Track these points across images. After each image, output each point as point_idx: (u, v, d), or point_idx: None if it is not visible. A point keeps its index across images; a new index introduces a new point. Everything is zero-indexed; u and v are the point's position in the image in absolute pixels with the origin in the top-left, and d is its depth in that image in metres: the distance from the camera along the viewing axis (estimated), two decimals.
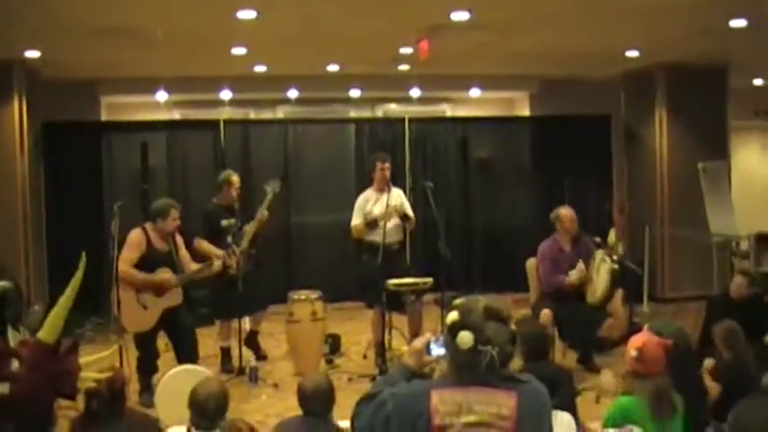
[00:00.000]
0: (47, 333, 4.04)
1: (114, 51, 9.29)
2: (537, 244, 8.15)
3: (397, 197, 8.43)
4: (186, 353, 7.30)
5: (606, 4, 7.84)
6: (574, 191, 11.91)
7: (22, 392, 3.84)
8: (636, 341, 4.16)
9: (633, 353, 4.09)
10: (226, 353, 8.53)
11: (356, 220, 8.37)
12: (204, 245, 8.26)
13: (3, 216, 9.81)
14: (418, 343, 3.22)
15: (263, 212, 8.36)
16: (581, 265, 7.65)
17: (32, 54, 9.46)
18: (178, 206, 7.45)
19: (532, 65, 11.55)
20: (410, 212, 8.46)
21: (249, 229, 8.33)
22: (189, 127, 12.21)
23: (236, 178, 8.51)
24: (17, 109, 9.97)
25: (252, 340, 8.81)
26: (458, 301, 2.94)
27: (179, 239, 7.55)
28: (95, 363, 4.32)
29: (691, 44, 9.89)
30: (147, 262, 7.20)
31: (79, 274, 4.38)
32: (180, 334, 7.43)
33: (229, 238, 7.99)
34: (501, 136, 12.86)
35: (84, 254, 4.58)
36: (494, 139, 12.76)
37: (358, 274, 8.93)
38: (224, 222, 8.31)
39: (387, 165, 8.44)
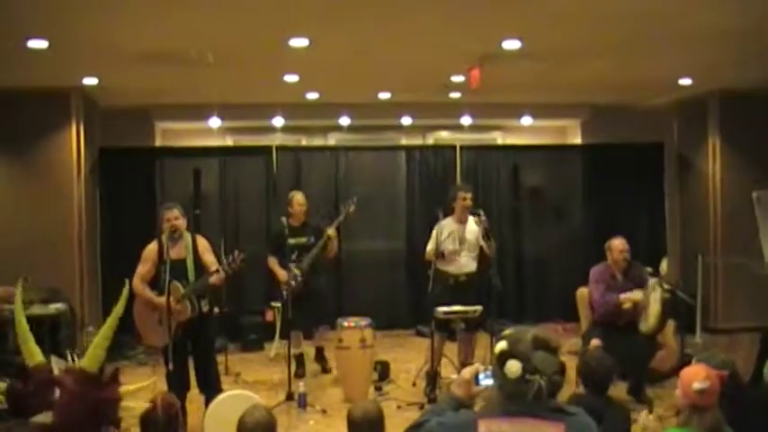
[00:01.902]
0: (89, 361, 4.08)
1: (168, 77, 9.45)
2: (587, 272, 8.08)
3: (474, 230, 8.35)
4: (201, 382, 7.17)
5: (658, 32, 7.80)
6: (626, 219, 11.82)
7: (65, 422, 3.88)
8: (699, 373, 4.05)
9: (699, 385, 3.97)
10: (299, 359, 9.11)
11: (429, 246, 8.35)
12: (271, 263, 9.05)
13: (59, 239, 9.99)
14: (467, 373, 3.21)
15: (329, 231, 8.92)
16: (638, 291, 7.58)
17: (90, 81, 9.65)
18: (171, 207, 7.18)
19: (584, 93, 11.51)
20: (484, 245, 8.36)
21: (315, 249, 8.90)
22: (241, 153, 12.33)
23: (299, 197, 9.16)
24: (75, 134, 10.17)
25: (319, 355, 9.49)
26: (507, 331, 2.95)
27: (202, 244, 7.27)
28: (136, 391, 4.36)
29: (744, 70, 9.79)
30: (159, 272, 7.02)
31: (122, 302, 4.43)
32: (197, 361, 7.22)
33: (293, 256, 8.72)
34: (552, 164, 12.82)
35: (127, 282, 4.64)
36: (545, 167, 12.72)
37: (422, 300, 8.93)
38: (291, 241, 8.94)
39: (469, 195, 8.39)
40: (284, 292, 8.61)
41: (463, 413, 3.02)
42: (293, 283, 8.59)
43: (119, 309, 4.32)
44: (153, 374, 7.35)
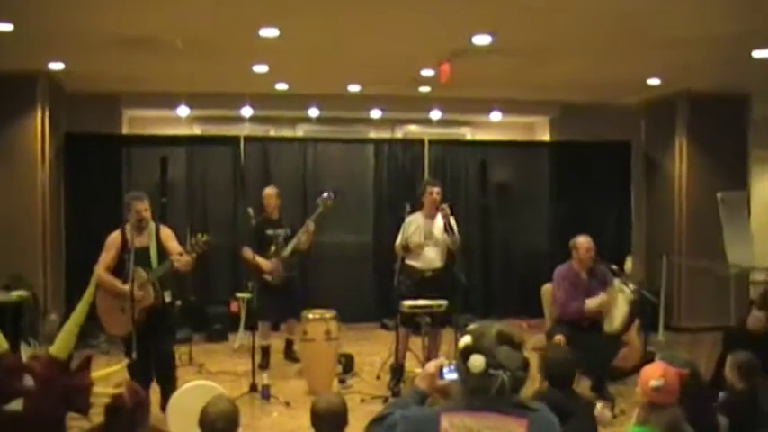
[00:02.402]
0: (59, 348, 4.05)
1: (136, 64, 9.37)
2: (553, 269, 8.12)
3: (441, 226, 8.33)
4: (158, 373, 7.07)
5: (629, 33, 7.86)
6: (592, 217, 11.90)
7: (35, 408, 3.84)
8: (655, 371, 4.10)
9: (655, 383, 4.02)
10: (265, 351, 9.17)
11: (398, 241, 8.37)
12: (247, 254, 9.08)
13: (23, 225, 9.88)
14: (431, 366, 3.22)
15: (309, 224, 9.12)
16: (603, 295, 7.61)
17: (56, 66, 9.54)
18: (142, 198, 7.13)
19: (554, 90, 11.57)
20: (457, 237, 8.36)
21: (294, 239, 9.12)
22: (209, 142, 12.27)
23: (269, 191, 9.43)
24: (40, 120, 10.05)
25: (288, 349, 9.61)
26: (472, 326, 2.95)
27: (165, 233, 7.21)
28: (106, 377, 4.32)
29: (712, 74, 9.90)
30: (123, 260, 6.91)
31: (91, 290, 4.39)
32: (156, 352, 7.08)
33: (272, 248, 9.09)
34: (520, 160, 12.89)
35: (96, 270, 4.61)
36: (513, 163, 12.78)
37: (388, 294, 8.95)
38: (269, 232, 9.22)
39: (437, 189, 8.41)
40: (269, 279, 8.98)
41: (427, 407, 3.03)
42: (279, 270, 9.01)
43: (88, 295, 4.29)
44: (113, 363, 7.35)
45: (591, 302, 7.61)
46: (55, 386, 3.91)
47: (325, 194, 9.22)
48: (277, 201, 9.42)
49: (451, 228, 8.25)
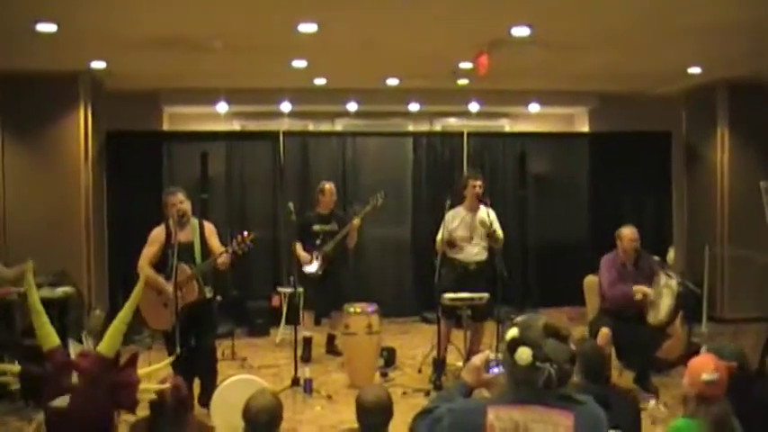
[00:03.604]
0: (106, 346, 4.08)
1: (176, 62, 9.44)
2: (593, 260, 8.07)
3: (485, 219, 8.35)
4: (200, 369, 7.08)
5: (668, 22, 7.77)
6: (632, 208, 11.83)
7: (82, 405, 3.88)
8: (707, 364, 4.02)
9: (708, 377, 3.94)
10: (307, 342, 9.31)
11: (439, 236, 8.34)
12: (296, 248, 9.24)
13: (66, 222, 10.01)
14: (477, 360, 3.22)
15: (354, 220, 9.24)
16: (646, 289, 7.54)
17: (98, 65, 9.64)
18: (175, 191, 7.12)
19: (592, 81, 11.48)
20: (500, 232, 8.40)
21: (338, 235, 9.21)
22: (248, 138, 12.35)
23: (328, 186, 9.47)
24: (82, 118, 10.17)
25: (330, 343, 9.66)
26: (518, 318, 2.95)
27: (208, 229, 7.26)
28: (152, 373, 4.36)
29: (753, 61, 9.75)
30: (167, 255, 6.93)
31: (139, 287, 4.43)
32: (198, 349, 7.11)
33: (318, 242, 9.22)
34: (559, 152, 12.82)
35: (139, 263, 4.65)
36: (552, 154, 12.72)
37: (428, 287, 8.97)
38: (315, 227, 9.33)
39: (479, 182, 8.40)
40: (307, 271, 9.13)
41: (473, 400, 3.03)
42: (316, 263, 9.14)
43: (137, 293, 4.32)
44: (153, 361, 7.42)
45: (641, 288, 7.54)
46: (102, 383, 3.95)
47: (379, 194, 9.37)
48: (333, 197, 9.49)
49: (494, 232, 8.27)
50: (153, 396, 3.99)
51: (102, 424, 3.98)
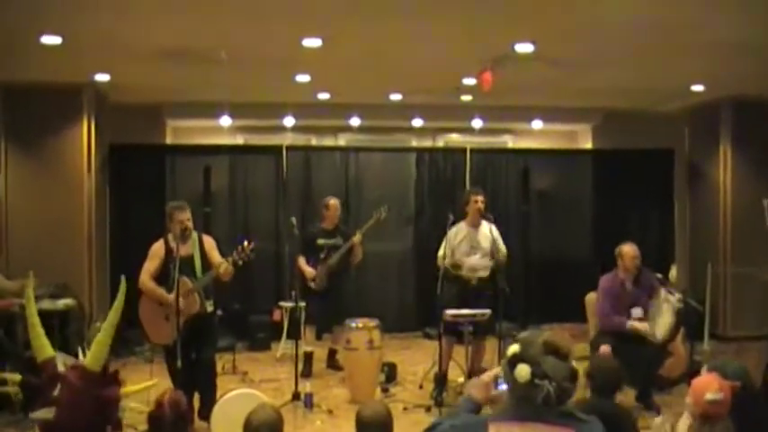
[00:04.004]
0: (91, 360, 4.08)
1: (180, 75, 9.47)
2: (596, 277, 8.04)
3: (488, 235, 8.38)
4: (200, 383, 7.05)
5: (672, 40, 7.79)
6: (635, 225, 11.82)
7: (67, 418, 3.88)
8: (711, 383, 4.00)
9: (712, 396, 3.91)
10: (308, 357, 9.29)
11: (441, 251, 8.33)
12: (299, 261, 9.22)
13: (69, 234, 10.02)
14: (486, 376, 3.22)
15: (357, 234, 9.26)
16: (646, 325, 7.52)
17: (102, 77, 9.67)
18: (184, 207, 7.14)
19: (596, 98, 11.49)
20: (503, 248, 8.45)
21: (342, 249, 9.22)
22: (251, 152, 12.35)
23: (333, 202, 9.48)
24: (86, 130, 10.19)
25: (331, 358, 9.62)
26: (521, 334, 2.94)
27: (208, 242, 7.28)
28: (138, 392, 4.35)
29: (757, 79, 9.76)
30: (168, 269, 6.96)
31: (120, 298, 4.42)
32: (198, 363, 7.08)
33: (321, 255, 9.21)
34: (562, 168, 12.80)
35: (123, 278, 4.64)
36: (555, 171, 12.69)
37: (430, 303, 8.96)
38: (320, 241, 9.31)
39: (481, 198, 8.41)
40: (311, 286, 9.12)
41: (476, 416, 3.02)
42: (321, 278, 9.14)
43: (118, 305, 4.32)
44: (155, 374, 7.40)
45: (634, 324, 7.52)
46: (86, 397, 3.94)
47: (383, 208, 9.40)
48: (338, 212, 9.51)
49: (498, 249, 8.32)
50: (140, 415, 3.99)
51: None
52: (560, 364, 2.81)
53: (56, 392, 3.97)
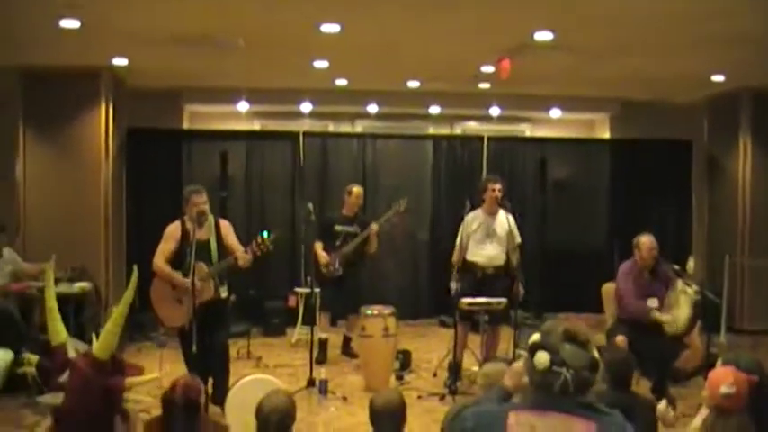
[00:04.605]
0: (100, 348, 4.09)
1: (197, 60, 9.45)
2: (612, 267, 8.02)
3: (504, 224, 8.34)
4: (213, 367, 7.01)
5: (692, 29, 7.72)
6: (652, 216, 11.75)
7: (74, 404, 3.89)
8: (726, 376, 3.97)
9: (726, 390, 3.90)
10: (323, 344, 9.30)
11: (458, 239, 8.34)
12: (316, 247, 9.25)
13: (86, 218, 10.06)
14: (518, 365, 3.21)
15: (374, 224, 9.27)
16: (661, 317, 7.46)
17: (120, 62, 9.67)
18: (201, 191, 7.07)
19: (614, 87, 11.42)
20: (518, 238, 8.44)
21: (358, 238, 9.24)
22: (268, 138, 12.35)
23: (356, 189, 9.49)
24: (104, 114, 10.21)
25: (346, 345, 9.64)
26: (545, 323, 2.93)
27: (224, 226, 7.24)
28: (142, 383, 4.35)
29: None
30: (183, 253, 6.92)
31: (131, 288, 4.42)
32: (211, 348, 7.02)
33: (338, 242, 9.25)
34: (580, 158, 12.74)
35: (135, 268, 4.64)
36: (572, 160, 12.63)
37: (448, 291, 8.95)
38: (337, 228, 9.37)
39: (498, 186, 8.34)
40: (325, 273, 9.17)
41: (497, 405, 3.02)
42: (336, 265, 9.16)
43: (128, 297, 4.31)
44: (166, 359, 7.41)
45: (656, 314, 7.46)
46: (94, 385, 3.96)
47: (402, 201, 9.38)
48: (359, 200, 9.52)
49: (513, 237, 8.34)
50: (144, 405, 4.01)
51: (99, 424, 3.98)
52: (579, 351, 2.78)
53: (64, 378, 3.98)
